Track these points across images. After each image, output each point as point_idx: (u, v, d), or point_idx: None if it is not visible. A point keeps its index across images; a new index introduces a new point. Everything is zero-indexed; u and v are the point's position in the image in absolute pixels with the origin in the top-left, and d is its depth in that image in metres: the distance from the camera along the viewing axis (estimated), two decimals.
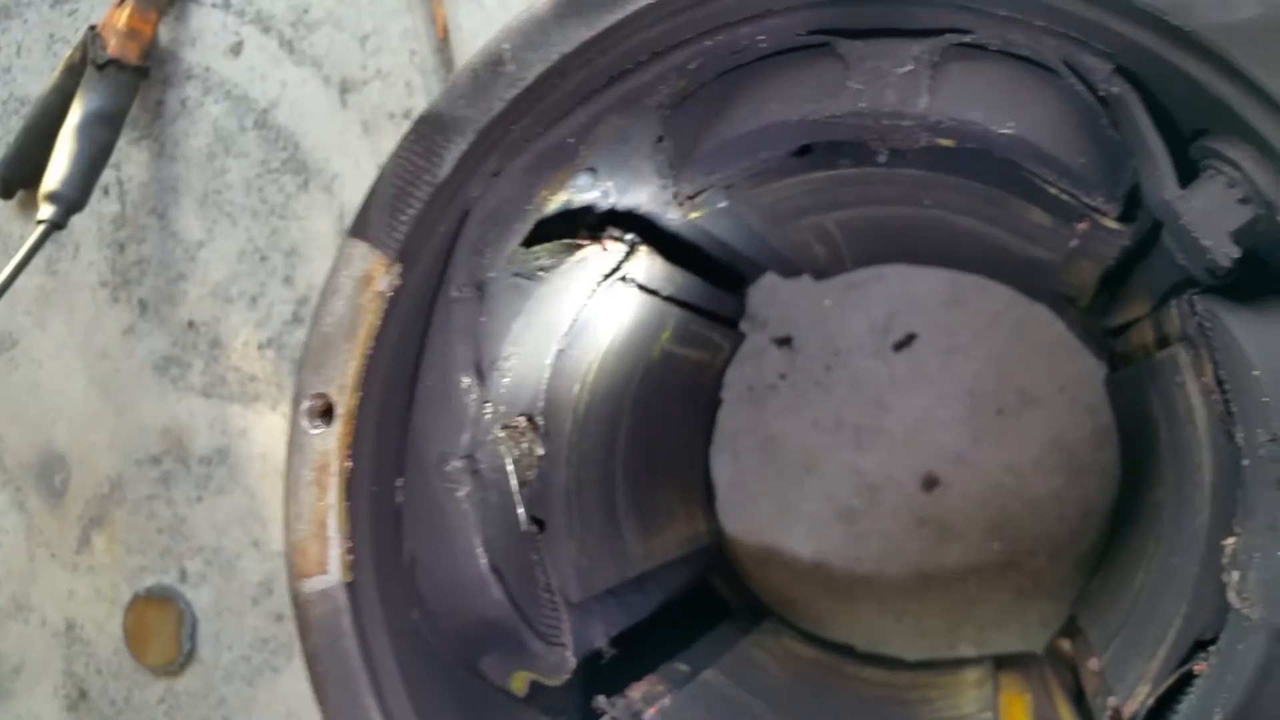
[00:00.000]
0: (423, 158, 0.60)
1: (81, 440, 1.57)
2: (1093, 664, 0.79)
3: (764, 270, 1.12)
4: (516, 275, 0.66)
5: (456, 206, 0.62)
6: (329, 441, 0.61)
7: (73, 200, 1.41)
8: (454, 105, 0.59)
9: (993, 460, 1.18)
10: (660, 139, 0.68)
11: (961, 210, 0.74)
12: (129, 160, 1.55)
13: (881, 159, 0.65)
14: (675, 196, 0.71)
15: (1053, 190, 0.62)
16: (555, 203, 0.67)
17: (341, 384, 0.61)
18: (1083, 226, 0.65)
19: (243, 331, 1.48)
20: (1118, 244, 0.66)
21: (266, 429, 1.47)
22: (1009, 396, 1.17)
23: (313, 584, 0.60)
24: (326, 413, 0.61)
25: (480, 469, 0.63)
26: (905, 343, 1.20)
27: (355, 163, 1.44)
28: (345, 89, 1.45)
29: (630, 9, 0.57)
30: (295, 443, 0.61)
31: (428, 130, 0.60)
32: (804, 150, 0.68)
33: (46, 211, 1.39)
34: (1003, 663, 1.03)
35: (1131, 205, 0.62)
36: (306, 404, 0.61)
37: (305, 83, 1.47)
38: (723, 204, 0.72)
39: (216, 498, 1.48)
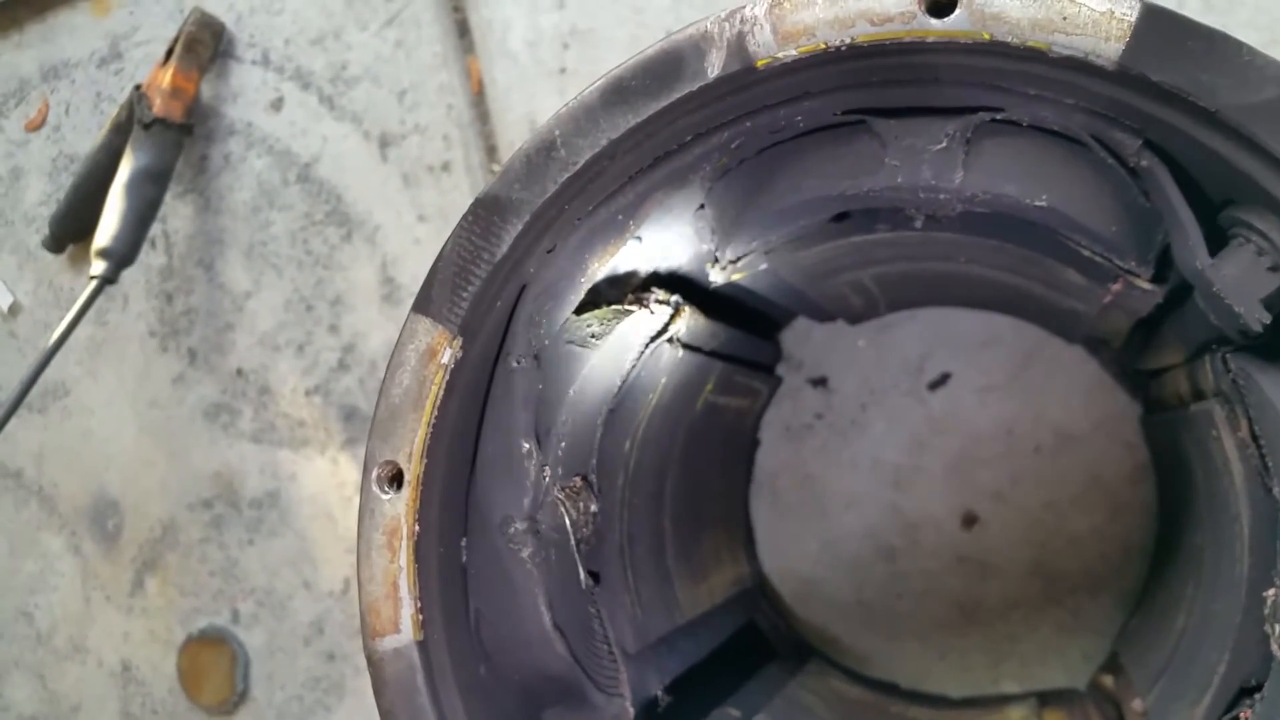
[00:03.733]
0: (481, 238, 0.63)
1: (134, 486, 1.61)
2: (1136, 705, 0.81)
3: (797, 316, 1.14)
4: (570, 343, 0.69)
5: (514, 282, 0.65)
6: (399, 506, 0.64)
7: (123, 255, 1.46)
8: (509, 188, 0.63)
9: (1032, 498, 1.19)
10: (701, 206, 0.71)
11: (997, 267, 0.76)
12: (175, 214, 1.60)
13: (918, 224, 0.68)
14: (717, 261, 0.73)
15: (1086, 253, 0.64)
16: (604, 270, 0.70)
17: (409, 452, 0.64)
18: (1117, 286, 0.67)
19: (290, 378, 1.52)
20: (1151, 301, 0.69)
21: (315, 472, 1.51)
22: (1046, 434, 1.19)
23: (386, 643, 0.63)
24: (396, 479, 0.64)
25: (541, 529, 0.65)
26: (940, 382, 1.22)
27: (397, 214, 1.49)
28: (385, 143, 1.50)
29: (674, 97, 0.60)
30: (366, 508, 0.64)
31: (485, 212, 0.63)
32: (841, 216, 0.70)
33: (99, 267, 1.44)
34: (1046, 699, 1.04)
35: (1163, 266, 0.64)
36: (377, 471, 0.64)
37: (346, 137, 1.52)
38: (763, 266, 0.75)
39: (268, 540, 1.52)
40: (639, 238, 0.71)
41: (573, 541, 0.67)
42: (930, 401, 1.22)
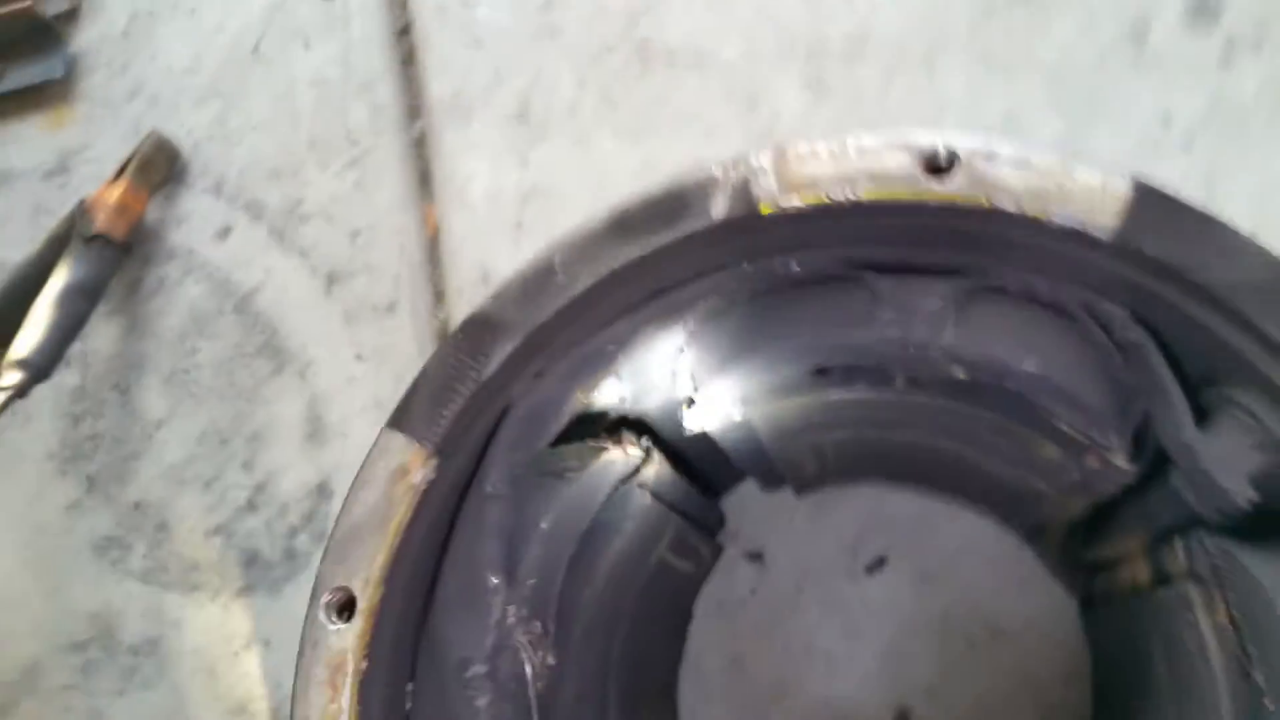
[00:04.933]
0: (469, 355, 0.61)
1: (2, 621, 1.48)
2: None
3: (742, 479, 1.13)
4: (544, 475, 0.66)
5: (498, 404, 0.63)
6: (347, 639, 0.58)
7: (40, 369, 1.38)
8: (503, 308, 0.61)
9: (964, 694, 1.17)
10: (683, 350, 0.71)
11: (964, 438, 0.77)
12: (97, 334, 1.54)
13: (898, 384, 0.68)
14: (693, 405, 0.72)
15: (1064, 427, 0.65)
16: (585, 402, 0.68)
17: (366, 577, 0.59)
18: (1090, 463, 0.68)
19: (191, 516, 1.44)
20: (1120, 481, 0.69)
21: (203, 621, 1.40)
22: (978, 628, 1.17)
23: None
24: (347, 608, 0.59)
25: (500, 676, 0.61)
26: (877, 566, 1.20)
27: (332, 351, 1.45)
28: (331, 280, 1.48)
29: (677, 234, 0.60)
30: (310, 638, 0.59)
31: (476, 330, 0.62)
32: (823, 371, 0.71)
33: (12, 378, 1.36)
34: None
35: (1138, 445, 0.65)
36: (327, 597, 0.59)
37: (291, 271, 1.49)
38: (737, 418, 0.74)
39: (140, 692, 1.39)
40: (618, 375, 0.69)
41: (532, 695, 0.62)
42: (866, 585, 1.21)
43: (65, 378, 1.53)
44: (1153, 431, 0.64)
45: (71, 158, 1.64)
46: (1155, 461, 0.66)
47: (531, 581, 0.63)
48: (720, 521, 0.98)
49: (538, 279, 0.61)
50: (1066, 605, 1.15)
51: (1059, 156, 0.55)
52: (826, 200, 0.57)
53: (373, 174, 1.52)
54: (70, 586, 1.44)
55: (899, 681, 1.19)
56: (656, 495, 0.77)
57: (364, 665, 0.58)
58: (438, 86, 1.54)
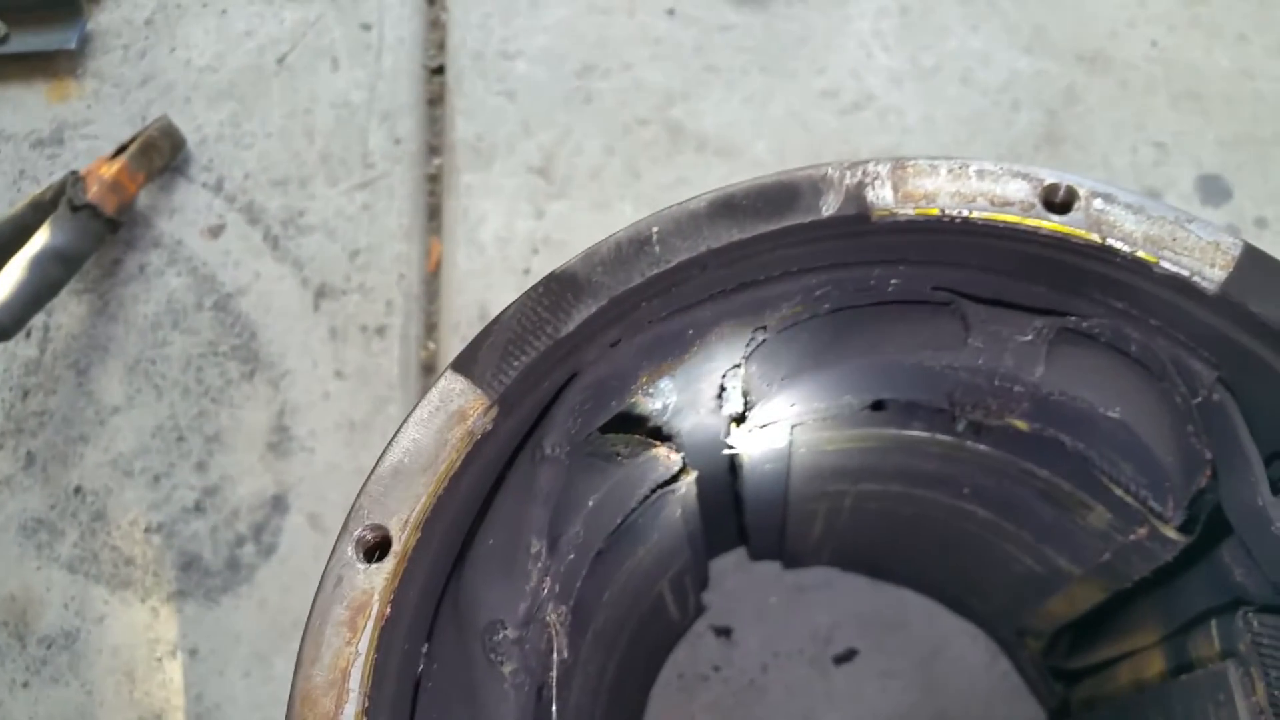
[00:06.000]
0: (549, 310, 0.59)
1: None
2: None
3: (733, 547, 1.10)
4: (592, 456, 0.63)
5: (568, 366, 0.60)
6: (375, 580, 0.54)
7: (3, 328, 1.31)
8: (591, 269, 0.60)
9: None
10: (740, 365, 0.70)
11: (1002, 504, 0.76)
12: (63, 309, 1.48)
13: (959, 428, 0.68)
14: (743, 422, 0.71)
15: (1121, 492, 0.65)
16: (633, 397, 0.66)
17: (405, 520, 0.55)
18: (1142, 531, 0.68)
19: (133, 510, 1.36)
20: (1161, 558, 0.69)
21: (128, 620, 1.31)
22: None
23: None
24: (379, 548, 0.55)
25: (527, 648, 0.56)
26: (846, 658, 1.18)
27: (313, 364, 1.41)
28: (322, 294, 1.45)
29: (782, 224, 0.59)
30: (333, 573, 0.54)
31: (559, 287, 0.60)
32: (880, 405, 0.70)
33: None
34: None
35: (1190, 519, 0.65)
36: (359, 533, 0.55)
37: (281, 279, 1.46)
38: (782, 444, 0.72)
39: (46, 687, 1.28)
40: (673, 375, 0.68)
41: (554, 677, 0.58)
42: (833, 676, 1.17)
43: (22, 348, 1.45)
44: (1206, 505, 0.64)
45: (68, 131, 1.60)
46: (1203, 537, 0.66)
47: (571, 558, 0.59)
48: (705, 583, 0.95)
49: (632, 246, 0.60)
50: (1034, 717, 1.13)
51: (1175, 210, 0.56)
52: (939, 214, 0.58)
53: (383, 199, 1.50)
54: None
55: None
56: (683, 514, 0.74)
57: (388, 611, 0.54)
58: (463, 128, 1.55)
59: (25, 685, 1.27)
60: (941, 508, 0.81)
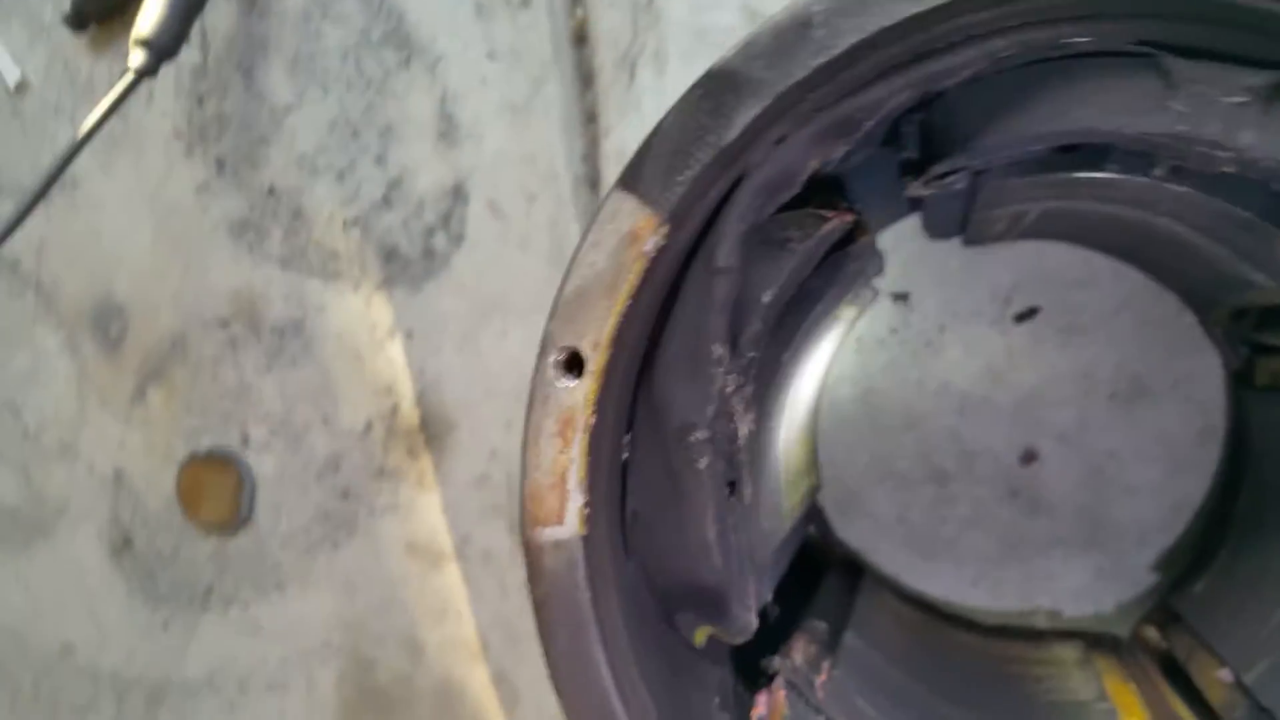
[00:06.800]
0: (710, 116, 0.57)
1: (143, 293, 1.53)
2: (1223, 675, 0.81)
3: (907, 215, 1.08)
4: (767, 244, 0.63)
5: (733, 171, 0.59)
6: (577, 396, 0.59)
7: (165, 48, 1.34)
8: (750, 65, 0.56)
9: (1096, 444, 1.18)
10: (917, 110, 0.65)
11: (1199, 227, 0.72)
12: (214, 10, 1.47)
13: (1156, 173, 0.63)
14: (918, 172, 0.68)
15: None
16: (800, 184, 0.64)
17: (595, 340, 0.59)
18: None
19: (327, 206, 1.44)
20: None
21: (346, 308, 1.44)
22: (1123, 383, 1.17)
23: (548, 533, 0.60)
24: (576, 366, 0.59)
25: (717, 440, 0.61)
26: (1027, 315, 1.18)
27: (464, 46, 1.38)
28: None
29: None
30: (540, 393, 0.59)
31: (718, 88, 0.57)
32: (1071, 148, 0.65)
33: (138, 59, 1.32)
34: (1094, 644, 1.05)
35: None
36: (555, 355, 0.59)
37: None
38: (961, 185, 0.69)
39: (287, 369, 1.46)
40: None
41: (742, 454, 0.63)
42: (1012, 334, 1.19)
43: (185, 54, 1.48)
44: None
45: None
46: None
47: (751, 354, 0.62)
48: (879, 268, 0.95)
49: (793, 32, 0.55)
50: (1214, 370, 1.14)
51: None
52: None
53: None
54: (208, 267, 1.48)
55: (1032, 426, 1.20)
56: (863, 268, 0.74)
57: (593, 420, 0.59)
58: None
59: (269, 369, 1.45)
60: (1135, 220, 0.77)
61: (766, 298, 0.62)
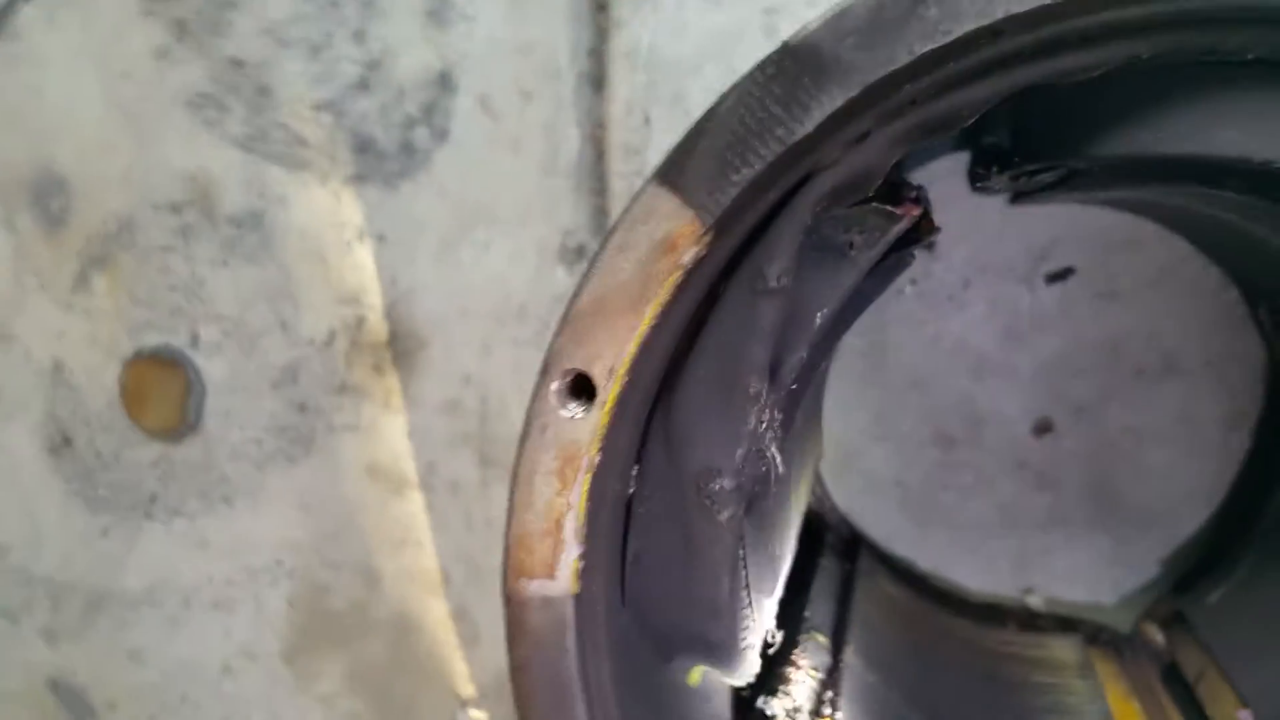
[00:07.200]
0: (781, 103, 0.45)
1: (89, 167, 1.38)
2: (1243, 716, 0.76)
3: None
4: (824, 249, 0.52)
5: (798, 172, 0.48)
6: (582, 430, 0.49)
7: None
8: (840, 43, 0.44)
9: (1116, 420, 1.10)
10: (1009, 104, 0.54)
11: (1265, 223, 0.62)
12: None
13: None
14: (1006, 171, 0.57)
15: None
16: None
17: (609, 366, 0.48)
18: None
19: (297, 84, 1.28)
20: None
21: (311, 202, 1.31)
22: (1153, 358, 1.09)
23: (536, 588, 0.50)
24: (584, 394, 0.49)
25: (744, 485, 0.52)
26: (1060, 276, 1.09)
27: None
28: None
29: None
30: (538, 421, 0.49)
31: (795, 69, 0.45)
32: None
33: None
34: (1092, 639, 1.00)
35: None
36: (561, 379, 0.49)
37: None
38: (1049, 177, 0.59)
39: (243, 265, 1.33)
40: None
41: (771, 499, 0.54)
42: (1042, 294, 1.10)
43: None
44: None
45: None
46: None
47: (794, 385, 0.52)
48: (932, 245, 0.84)
49: (900, 7, 0.43)
50: (1252, 353, 1.06)
51: None
52: None
53: None
54: (162, 143, 1.33)
55: (1050, 395, 1.12)
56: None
57: (598, 459, 0.50)
58: None
59: (224, 264, 1.32)
60: (1198, 210, 0.67)
61: (819, 319, 0.51)
